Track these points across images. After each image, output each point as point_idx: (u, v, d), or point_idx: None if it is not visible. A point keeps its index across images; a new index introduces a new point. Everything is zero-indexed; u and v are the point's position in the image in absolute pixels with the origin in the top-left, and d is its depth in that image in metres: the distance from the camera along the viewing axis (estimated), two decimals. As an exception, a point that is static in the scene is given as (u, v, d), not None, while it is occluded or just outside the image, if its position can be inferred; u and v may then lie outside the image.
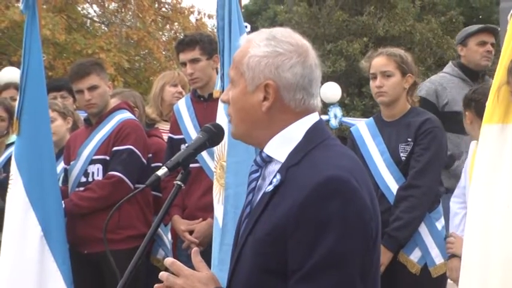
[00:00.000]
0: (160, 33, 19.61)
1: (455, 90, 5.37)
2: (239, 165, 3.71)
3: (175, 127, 4.81)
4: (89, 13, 19.65)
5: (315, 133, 2.07)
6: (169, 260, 2.09)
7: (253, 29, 2.58)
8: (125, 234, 4.49)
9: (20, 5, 4.55)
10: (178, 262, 2.09)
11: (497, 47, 4.49)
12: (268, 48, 2.06)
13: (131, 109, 4.93)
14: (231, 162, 3.86)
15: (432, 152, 4.07)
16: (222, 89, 3.95)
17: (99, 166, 4.64)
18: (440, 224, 4.17)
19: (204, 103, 4.73)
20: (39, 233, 4.39)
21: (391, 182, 4.12)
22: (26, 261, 4.38)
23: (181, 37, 5.76)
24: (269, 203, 2.01)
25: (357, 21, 24.22)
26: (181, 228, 4.63)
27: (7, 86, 6.39)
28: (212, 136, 2.29)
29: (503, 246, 2.80)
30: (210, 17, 18.34)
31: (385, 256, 3.99)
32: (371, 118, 4.44)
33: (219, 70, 4.13)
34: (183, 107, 4.81)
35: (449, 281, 4.20)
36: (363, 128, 4.34)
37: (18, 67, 6.31)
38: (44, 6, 15.18)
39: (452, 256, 3.96)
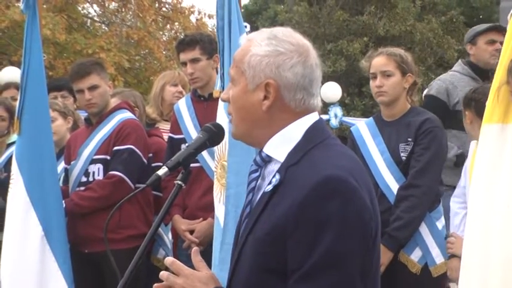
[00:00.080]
0: (161, 33, 19.60)
1: (466, 89, 5.38)
2: (240, 165, 3.72)
3: (176, 127, 4.82)
4: (89, 13, 19.64)
5: (315, 133, 2.07)
6: (169, 260, 2.10)
7: (254, 28, 2.58)
8: (125, 234, 4.50)
9: (21, 5, 4.55)
10: (179, 262, 2.09)
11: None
12: (270, 47, 2.06)
13: (131, 109, 4.93)
14: (231, 161, 3.86)
15: (432, 151, 4.07)
16: (222, 89, 3.95)
17: (100, 166, 4.64)
18: (440, 224, 4.18)
19: (204, 103, 4.73)
20: (40, 233, 4.39)
21: (391, 182, 4.13)
22: (27, 260, 4.38)
23: (182, 37, 5.76)
24: (269, 203, 2.01)
25: (357, 21, 24.21)
26: (181, 227, 4.63)
27: (8, 85, 6.40)
28: (212, 136, 2.29)
29: (503, 246, 2.80)
30: (210, 17, 18.33)
31: (385, 256, 3.99)
32: (371, 118, 4.44)
33: (219, 70, 4.14)
34: (184, 107, 4.82)
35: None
36: (363, 127, 4.34)
37: (19, 67, 6.31)
38: (45, 6, 15.18)
39: (453, 256, 3.96)
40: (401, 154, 4.11)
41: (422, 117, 4.15)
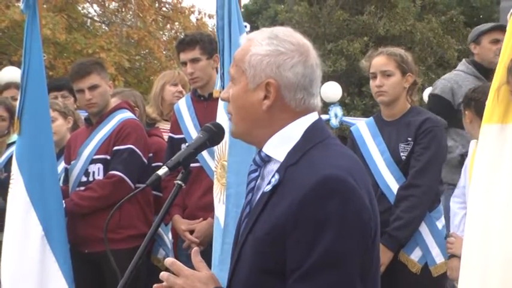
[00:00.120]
0: (161, 32, 19.60)
1: None
2: (240, 165, 3.72)
3: (176, 127, 4.82)
4: (89, 13, 19.65)
5: (314, 132, 2.07)
6: (169, 260, 2.10)
7: (254, 28, 2.59)
8: (125, 234, 4.50)
9: (21, 5, 4.55)
10: (179, 262, 2.10)
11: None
12: (270, 47, 2.07)
13: (132, 109, 4.93)
14: (232, 161, 3.86)
15: (432, 151, 4.07)
16: (222, 89, 3.95)
17: (100, 166, 4.64)
18: (440, 223, 4.18)
19: (204, 102, 4.74)
20: (40, 233, 4.39)
21: (391, 182, 4.13)
22: (27, 261, 4.38)
23: (182, 37, 5.76)
24: (268, 203, 2.01)
25: (357, 21, 24.22)
26: (181, 227, 4.63)
27: (8, 85, 6.39)
28: (212, 135, 2.29)
29: (503, 245, 2.80)
30: (210, 16, 18.33)
31: (385, 256, 3.99)
32: (371, 118, 4.44)
33: (219, 69, 4.14)
34: (184, 107, 4.82)
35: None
36: (363, 127, 4.34)
37: (19, 67, 6.31)
38: (45, 6, 15.19)
39: (452, 256, 3.96)
40: (401, 154, 4.11)
41: (422, 116, 4.14)
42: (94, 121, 4.76)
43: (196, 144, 2.27)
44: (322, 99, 2.25)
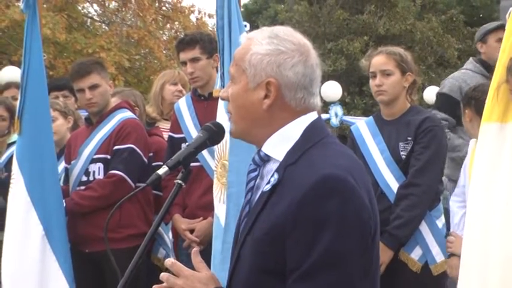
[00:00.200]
0: (161, 32, 19.60)
1: None
2: (241, 164, 3.71)
3: (176, 126, 4.82)
4: (89, 12, 19.64)
5: (313, 132, 2.07)
6: (169, 261, 2.10)
7: (254, 28, 2.59)
8: (125, 233, 4.50)
9: (21, 5, 4.55)
10: (179, 263, 2.10)
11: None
12: (271, 46, 2.07)
13: (132, 108, 4.94)
14: (233, 161, 3.86)
15: (432, 150, 4.07)
16: (221, 88, 3.95)
17: (100, 165, 4.64)
18: (440, 222, 4.18)
19: (204, 102, 4.74)
20: (40, 232, 4.40)
21: (391, 181, 4.13)
22: (28, 260, 4.39)
23: (182, 36, 5.77)
24: (267, 202, 2.01)
25: (357, 20, 24.22)
26: (182, 227, 4.64)
27: (8, 85, 6.39)
28: (213, 135, 2.29)
29: (503, 244, 2.80)
30: (210, 16, 18.33)
31: (386, 255, 3.99)
32: (371, 117, 4.44)
33: (219, 69, 4.14)
34: (184, 106, 4.82)
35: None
36: (362, 127, 4.34)
37: (19, 66, 6.32)
38: (45, 6, 15.19)
39: (452, 255, 3.97)
40: (401, 153, 4.12)
41: (422, 116, 4.15)
42: (94, 121, 4.77)
43: (196, 143, 2.27)
44: (322, 99, 2.25)
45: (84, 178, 4.66)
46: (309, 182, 1.93)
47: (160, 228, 4.66)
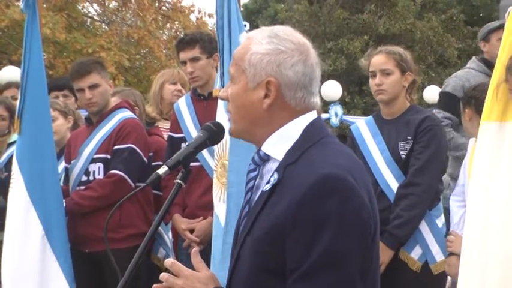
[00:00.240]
0: (161, 32, 19.61)
1: None
2: (241, 164, 3.71)
3: (176, 126, 4.82)
4: (89, 12, 19.66)
5: (313, 131, 2.07)
6: (169, 261, 2.10)
7: (254, 27, 2.59)
8: (125, 233, 4.50)
9: (20, 4, 4.55)
10: (178, 263, 2.10)
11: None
12: (271, 45, 2.07)
13: (132, 108, 4.93)
14: (233, 160, 3.86)
15: (432, 149, 4.07)
16: (221, 88, 3.95)
17: (100, 165, 4.64)
18: (440, 222, 4.18)
19: (204, 102, 4.74)
20: (40, 232, 4.39)
21: (391, 180, 4.13)
22: (28, 260, 4.39)
23: (182, 36, 5.76)
24: (267, 202, 2.01)
25: (357, 20, 24.25)
26: (181, 227, 4.64)
27: (8, 85, 6.39)
28: (212, 134, 2.29)
29: (502, 243, 2.80)
30: (210, 16, 18.34)
31: (386, 254, 3.99)
32: (370, 116, 4.44)
33: (218, 68, 4.14)
34: (184, 106, 4.82)
35: (448, 278, 4.21)
36: (362, 126, 4.34)
37: (19, 66, 6.32)
38: (44, 5, 15.19)
39: (451, 254, 3.97)
40: (401, 152, 4.12)
41: (422, 115, 4.15)
42: (94, 120, 4.76)
43: (196, 143, 2.27)
44: (322, 98, 2.25)
45: (84, 178, 4.66)
46: (309, 182, 1.93)
47: (160, 228, 4.66)
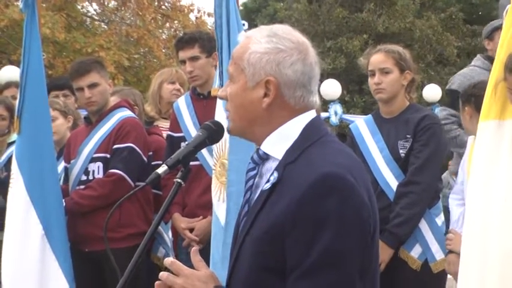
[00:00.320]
0: (160, 31, 19.62)
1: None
2: (241, 163, 3.71)
3: (175, 125, 4.82)
4: (88, 11, 19.66)
5: (312, 130, 2.07)
6: (169, 260, 2.10)
7: (253, 26, 2.58)
8: (125, 233, 4.50)
9: (20, 4, 4.55)
10: (178, 262, 2.09)
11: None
12: (270, 44, 2.06)
13: (131, 107, 4.93)
14: (232, 159, 3.86)
15: (431, 148, 4.08)
16: (220, 87, 3.95)
17: (100, 164, 4.64)
18: (440, 220, 4.18)
19: (203, 101, 4.74)
20: (40, 232, 4.39)
21: (390, 179, 4.13)
22: (28, 259, 4.39)
23: (181, 35, 5.76)
24: (267, 201, 2.01)
25: (356, 18, 24.25)
26: (181, 226, 4.64)
27: (8, 84, 6.39)
28: (212, 133, 2.28)
29: (502, 241, 2.80)
30: (209, 15, 18.32)
31: (386, 253, 4.00)
32: (370, 115, 4.44)
33: (217, 68, 4.14)
34: (183, 105, 4.82)
35: (449, 276, 4.21)
36: (361, 125, 4.34)
37: (18, 66, 6.32)
38: (44, 5, 15.20)
39: (451, 252, 3.97)
40: (400, 151, 4.12)
41: (421, 114, 4.15)
42: (93, 120, 4.76)
43: (195, 142, 2.26)
44: (321, 97, 2.25)
45: (84, 177, 4.66)
46: (308, 181, 1.92)
47: (160, 227, 4.66)
